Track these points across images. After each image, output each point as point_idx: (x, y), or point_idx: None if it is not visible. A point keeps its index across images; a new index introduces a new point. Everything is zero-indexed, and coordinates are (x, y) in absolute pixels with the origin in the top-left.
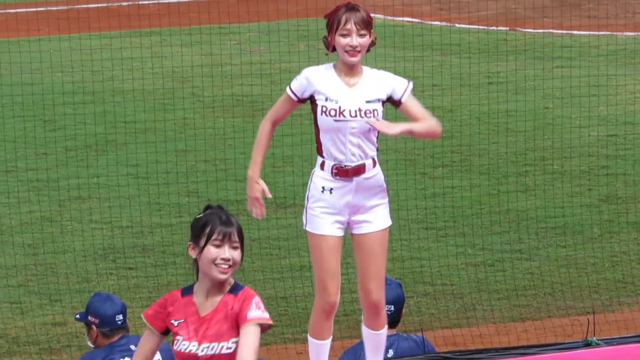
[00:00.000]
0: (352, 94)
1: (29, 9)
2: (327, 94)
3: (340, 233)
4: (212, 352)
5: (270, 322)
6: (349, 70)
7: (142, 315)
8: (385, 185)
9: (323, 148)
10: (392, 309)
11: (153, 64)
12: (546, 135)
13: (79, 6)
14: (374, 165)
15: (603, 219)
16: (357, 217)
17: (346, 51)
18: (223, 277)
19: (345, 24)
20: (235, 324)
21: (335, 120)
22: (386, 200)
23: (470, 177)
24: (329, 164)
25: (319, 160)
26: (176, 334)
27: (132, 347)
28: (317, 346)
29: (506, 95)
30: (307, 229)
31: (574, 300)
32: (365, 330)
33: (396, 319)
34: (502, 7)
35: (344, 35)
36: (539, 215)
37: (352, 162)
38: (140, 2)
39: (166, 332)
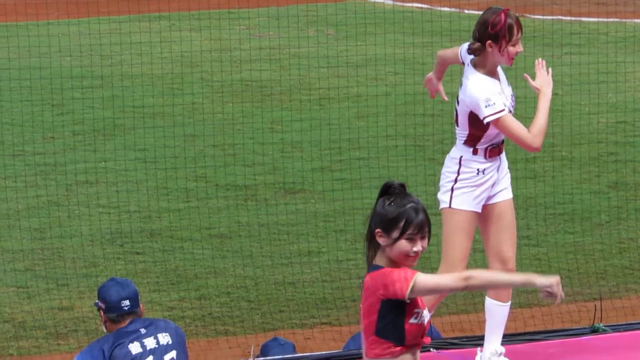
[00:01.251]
0: (505, 88)
1: None
2: (505, 101)
3: (480, 210)
4: (427, 318)
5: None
6: (494, 72)
7: (415, 276)
8: None
9: (481, 141)
10: None
11: (162, 49)
12: (555, 121)
13: None
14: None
15: (611, 206)
16: (497, 187)
17: (511, 58)
18: (412, 264)
19: (518, 33)
20: None
21: (510, 110)
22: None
23: None
24: (482, 148)
25: (467, 149)
26: (415, 307)
27: (142, 330)
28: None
29: (515, 82)
30: (453, 206)
31: (581, 286)
32: (490, 304)
33: None
34: None
35: (514, 45)
36: (547, 202)
37: (499, 142)
38: None
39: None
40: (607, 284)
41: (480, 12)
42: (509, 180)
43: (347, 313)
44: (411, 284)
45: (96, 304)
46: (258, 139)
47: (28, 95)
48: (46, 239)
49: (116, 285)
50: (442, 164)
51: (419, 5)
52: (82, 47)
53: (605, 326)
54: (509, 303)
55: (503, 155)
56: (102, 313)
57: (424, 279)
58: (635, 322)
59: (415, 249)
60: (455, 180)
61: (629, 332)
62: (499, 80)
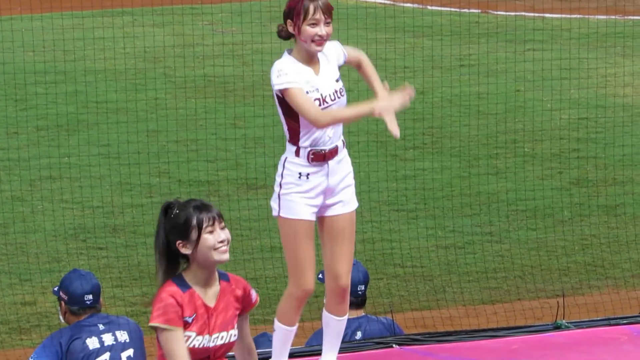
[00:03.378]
0: (324, 79)
1: None
2: (306, 85)
3: (314, 218)
4: (222, 342)
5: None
6: (311, 57)
7: (157, 324)
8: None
9: (302, 137)
10: (363, 288)
11: (125, 44)
12: (517, 118)
13: None
14: (344, 146)
15: (573, 202)
16: (329, 199)
17: (313, 41)
18: (225, 257)
19: (314, 14)
20: (238, 310)
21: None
22: (353, 181)
23: (441, 160)
24: (304, 150)
25: (292, 147)
26: (188, 330)
27: (101, 326)
28: (286, 332)
29: (477, 78)
30: (282, 214)
31: (544, 283)
32: (327, 317)
33: (364, 298)
34: None
35: (312, 25)
36: (509, 198)
37: (327, 146)
38: None
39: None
40: (570, 281)
41: (443, 8)
42: (351, 192)
43: (310, 309)
44: (154, 324)
45: (55, 292)
46: (220, 135)
47: None
48: (9, 234)
49: (80, 278)
50: (404, 160)
51: (382, 1)
52: (45, 42)
53: (568, 323)
54: (346, 317)
55: (339, 165)
56: (62, 304)
57: (165, 336)
58: (598, 318)
59: (219, 238)
60: (280, 185)
61: (592, 329)
62: (314, 67)
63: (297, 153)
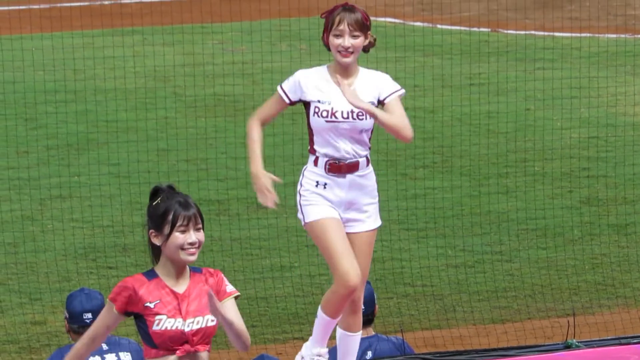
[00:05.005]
0: (344, 98)
1: (10, 7)
2: (319, 95)
3: (338, 216)
4: (198, 326)
5: (239, 293)
6: (343, 71)
7: (108, 300)
8: (376, 185)
9: (316, 146)
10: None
11: (135, 63)
12: (527, 136)
13: (61, 4)
14: (367, 164)
15: (583, 221)
16: (349, 214)
17: (339, 51)
18: (192, 258)
19: (338, 25)
20: None
21: (327, 122)
22: (377, 200)
23: (451, 179)
24: (322, 160)
25: (311, 157)
26: (155, 314)
27: (104, 346)
28: (327, 322)
29: (487, 97)
30: (307, 221)
31: (554, 302)
32: (341, 333)
33: (372, 316)
34: (484, 8)
35: (337, 36)
36: (519, 217)
37: (346, 160)
38: (122, 1)
39: (126, 314)
40: (580, 300)
41: (453, 27)
42: (373, 210)
43: None
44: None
45: (64, 312)
46: (230, 154)
47: (1, 109)
48: (19, 253)
49: (82, 296)
50: (414, 179)
51: (392, 19)
52: (55, 61)
53: (578, 342)
54: (359, 333)
55: (360, 181)
56: (66, 322)
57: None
58: (609, 338)
59: (189, 240)
60: (300, 194)
61: (603, 348)
62: (341, 80)
63: (315, 162)
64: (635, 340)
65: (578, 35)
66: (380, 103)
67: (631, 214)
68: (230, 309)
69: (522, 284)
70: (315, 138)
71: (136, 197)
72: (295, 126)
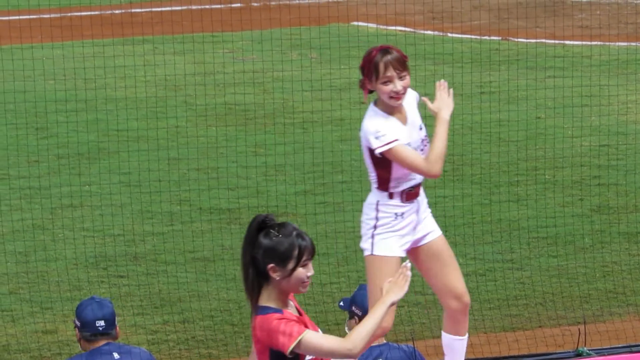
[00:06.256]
0: (411, 129)
1: (21, 17)
2: (402, 137)
3: (404, 255)
4: None
5: None
6: (396, 108)
7: (294, 343)
8: None
9: (392, 182)
10: None
11: (145, 72)
12: (538, 145)
13: (71, 14)
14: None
15: (594, 229)
16: (419, 231)
17: (391, 97)
18: (305, 290)
19: (385, 72)
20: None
21: (418, 148)
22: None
23: (462, 187)
24: (397, 192)
25: (382, 193)
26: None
27: (116, 355)
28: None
29: (498, 105)
30: (375, 252)
31: (565, 310)
32: (448, 338)
33: None
34: (494, 16)
35: (385, 83)
36: (530, 225)
37: (414, 185)
38: (133, 10)
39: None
40: (591, 308)
41: (464, 36)
42: (432, 220)
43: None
44: (295, 342)
45: (74, 321)
46: (241, 163)
47: (12, 118)
48: (30, 262)
49: (94, 304)
50: (425, 187)
51: (402, 28)
52: (65, 70)
53: (589, 350)
54: (467, 335)
55: (422, 197)
56: (77, 330)
57: (309, 338)
58: (620, 345)
59: (309, 273)
60: (375, 227)
61: (613, 356)
62: (400, 117)
63: (390, 196)
64: None
65: (589, 43)
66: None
67: None
68: (318, 335)
69: (533, 292)
70: (392, 180)
71: (147, 205)
72: (306, 135)
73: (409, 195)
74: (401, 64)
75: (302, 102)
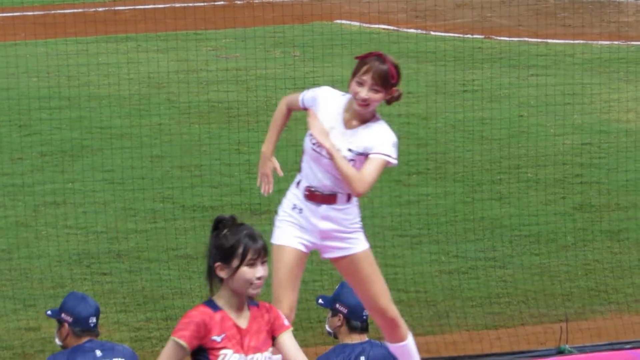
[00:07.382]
0: (342, 135)
1: (4, 14)
2: (323, 121)
3: (303, 249)
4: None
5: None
6: (358, 114)
7: (176, 338)
8: (359, 219)
9: (303, 164)
10: (367, 314)
11: (129, 70)
12: (520, 143)
13: (55, 11)
14: (348, 200)
15: (577, 227)
16: (326, 242)
17: (356, 99)
18: (257, 292)
19: (364, 74)
20: (269, 334)
21: (313, 149)
22: (360, 231)
23: (445, 185)
24: (303, 184)
25: (297, 177)
26: (221, 348)
27: (98, 352)
28: None
29: (481, 103)
30: (271, 241)
31: (547, 308)
32: (392, 347)
33: (367, 324)
34: (477, 15)
35: (358, 84)
36: (512, 223)
37: (323, 191)
38: (117, 8)
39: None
40: (573, 306)
41: (447, 34)
42: (353, 240)
43: (313, 334)
44: (171, 338)
45: (56, 316)
46: (224, 160)
47: None
48: (13, 259)
49: (82, 300)
50: (408, 185)
51: (385, 26)
52: (49, 68)
53: (571, 347)
54: (408, 339)
55: (336, 214)
56: (66, 326)
57: (169, 345)
58: (601, 343)
59: (258, 274)
60: (277, 212)
61: (595, 354)
62: (348, 120)
63: (298, 184)
64: (627, 346)
65: (571, 42)
66: (366, 156)
67: (624, 220)
68: (289, 342)
69: (515, 290)
70: (304, 156)
71: (130, 203)
72: (289, 133)
73: (310, 194)
74: (382, 80)
75: None
